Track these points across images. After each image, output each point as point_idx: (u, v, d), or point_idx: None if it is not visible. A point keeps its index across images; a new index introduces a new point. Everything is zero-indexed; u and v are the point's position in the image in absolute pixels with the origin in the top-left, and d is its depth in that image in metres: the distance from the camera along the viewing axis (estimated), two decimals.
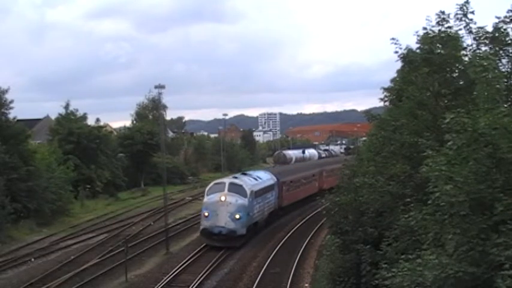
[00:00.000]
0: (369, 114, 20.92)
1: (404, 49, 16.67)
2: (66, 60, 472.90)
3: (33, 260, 30.34)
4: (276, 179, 42.43)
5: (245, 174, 40.16)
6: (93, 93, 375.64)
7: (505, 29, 14.11)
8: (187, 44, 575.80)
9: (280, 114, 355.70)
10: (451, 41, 15.45)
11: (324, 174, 58.92)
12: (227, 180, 36.27)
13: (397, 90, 18.88)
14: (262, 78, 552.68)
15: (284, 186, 44.64)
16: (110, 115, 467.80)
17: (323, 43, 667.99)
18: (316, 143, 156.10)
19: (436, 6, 15.96)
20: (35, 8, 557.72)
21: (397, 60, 17.14)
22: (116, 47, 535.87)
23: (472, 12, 14.74)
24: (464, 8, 14.70)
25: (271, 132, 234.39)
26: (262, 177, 40.49)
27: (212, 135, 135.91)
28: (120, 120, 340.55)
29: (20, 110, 70.59)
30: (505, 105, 11.81)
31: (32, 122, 63.34)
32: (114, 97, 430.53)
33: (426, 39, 15.88)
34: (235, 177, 37.43)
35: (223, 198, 33.81)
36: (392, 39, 16.55)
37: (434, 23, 15.64)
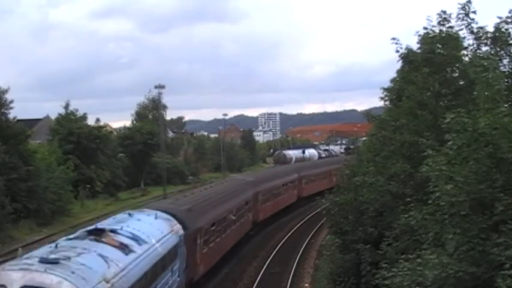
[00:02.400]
0: (369, 114, 20.93)
1: (405, 49, 16.72)
2: (68, 60, 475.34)
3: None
4: (181, 230, 19.78)
5: (99, 233, 14.94)
6: (95, 93, 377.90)
7: (506, 29, 14.13)
8: (189, 44, 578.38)
9: (280, 114, 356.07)
10: (451, 41, 15.46)
11: (261, 198, 39.09)
12: (20, 276, 11.37)
13: (397, 90, 18.88)
14: (263, 78, 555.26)
15: (200, 237, 22.76)
16: (112, 115, 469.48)
17: (325, 43, 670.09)
18: (316, 143, 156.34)
19: (439, 7, 16.00)
20: (38, 8, 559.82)
21: (399, 61, 17.22)
22: (119, 47, 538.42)
23: (474, 12, 14.76)
24: (466, 7, 14.71)
25: (271, 132, 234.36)
26: (147, 236, 16.57)
27: (212, 135, 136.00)
28: (122, 120, 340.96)
29: (20, 110, 70.60)
30: (505, 105, 11.81)
31: (32, 122, 63.35)
32: (116, 97, 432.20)
33: (427, 39, 15.91)
34: (53, 262, 11.80)
35: None
36: (393, 38, 16.62)
37: (435, 22, 15.68)
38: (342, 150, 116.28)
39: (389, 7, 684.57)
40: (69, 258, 12.13)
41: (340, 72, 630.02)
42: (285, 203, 46.86)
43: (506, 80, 12.83)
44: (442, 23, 15.57)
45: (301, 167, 59.02)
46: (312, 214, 46.45)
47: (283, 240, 37.02)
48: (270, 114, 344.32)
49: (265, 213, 40.47)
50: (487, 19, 14.82)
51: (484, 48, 14.44)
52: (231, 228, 29.11)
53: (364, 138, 46.36)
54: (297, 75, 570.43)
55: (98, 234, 14.63)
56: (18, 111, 45.61)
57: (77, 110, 62.09)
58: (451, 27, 15.46)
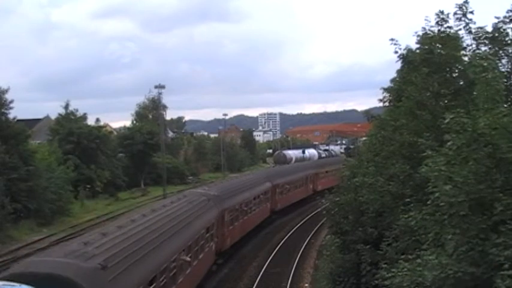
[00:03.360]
0: (369, 114, 20.97)
1: (404, 49, 16.71)
2: (69, 60, 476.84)
3: None
4: None
5: None
6: (97, 93, 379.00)
7: (504, 29, 14.14)
8: (191, 44, 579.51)
9: (280, 114, 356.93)
10: (450, 41, 15.45)
11: (228, 218, 29.42)
12: None
13: (397, 90, 18.87)
14: (263, 78, 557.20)
15: None
16: (113, 115, 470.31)
17: (326, 44, 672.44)
18: (316, 143, 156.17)
19: (440, 7, 15.97)
20: (40, 7, 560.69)
21: (398, 61, 17.20)
22: (121, 47, 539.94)
23: (472, 12, 14.76)
24: (464, 7, 14.70)
25: (271, 132, 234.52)
26: None
27: (212, 135, 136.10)
28: (122, 120, 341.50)
29: (20, 110, 70.93)
30: (505, 105, 11.81)
31: (32, 122, 63.47)
32: (116, 97, 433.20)
33: (426, 40, 15.89)
34: None
35: None
36: (392, 39, 16.61)
37: (433, 23, 15.67)
38: (342, 150, 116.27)
39: (390, 7, 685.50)
40: None
41: (341, 72, 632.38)
42: (256, 220, 37.59)
43: (505, 80, 12.82)
44: (440, 23, 15.56)
45: (273, 174, 49.35)
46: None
47: (283, 240, 37.01)
48: (270, 114, 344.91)
49: (234, 237, 30.84)
50: (486, 19, 14.84)
51: (483, 48, 14.44)
52: (184, 273, 18.69)
53: (364, 138, 45.90)
54: (298, 75, 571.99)
55: None
56: (18, 111, 45.85)
57: (77, 110, 62.41)
58: (449, 27, 15.45)
